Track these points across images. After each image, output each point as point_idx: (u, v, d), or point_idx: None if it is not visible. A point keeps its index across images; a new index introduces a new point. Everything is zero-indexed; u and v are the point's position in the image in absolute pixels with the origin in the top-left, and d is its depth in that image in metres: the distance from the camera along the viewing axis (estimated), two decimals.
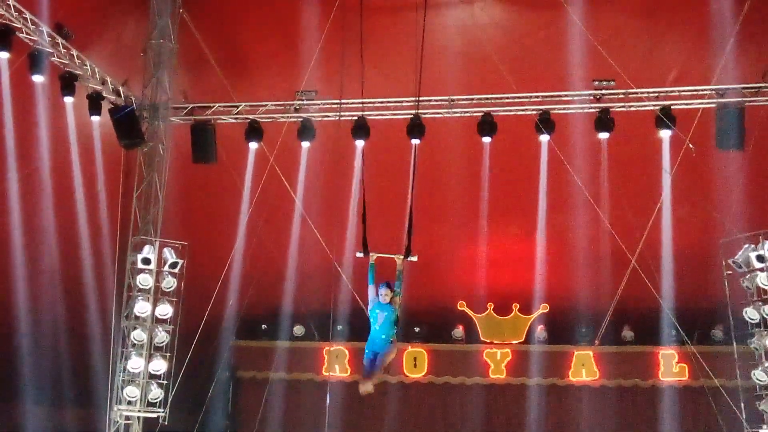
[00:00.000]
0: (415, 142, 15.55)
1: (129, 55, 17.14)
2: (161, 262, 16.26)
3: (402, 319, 10.58)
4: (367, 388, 10.45)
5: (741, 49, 15.32)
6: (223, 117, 17.14)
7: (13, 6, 14.39)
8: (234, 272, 17.43)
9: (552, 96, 16.11)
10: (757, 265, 14.95)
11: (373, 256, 10.47)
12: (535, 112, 16.05)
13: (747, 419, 15.24)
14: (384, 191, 13.20)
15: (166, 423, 16.06)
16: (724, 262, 15.48)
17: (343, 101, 15.47)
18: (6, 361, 17.62)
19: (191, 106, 17.26)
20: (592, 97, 16.03)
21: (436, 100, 16.25)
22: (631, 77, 15.55)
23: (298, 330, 19.58)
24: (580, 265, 17.37)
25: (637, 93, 15.80)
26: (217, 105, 17.09)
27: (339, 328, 18.50)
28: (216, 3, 17.68)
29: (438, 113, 16.36)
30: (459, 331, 19.38)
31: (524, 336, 19.08)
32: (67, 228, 16.97)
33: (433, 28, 13.69)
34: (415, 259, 10.43)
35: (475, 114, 16.27)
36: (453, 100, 16.28)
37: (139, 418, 16.13)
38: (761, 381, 15.00)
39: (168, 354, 16.10)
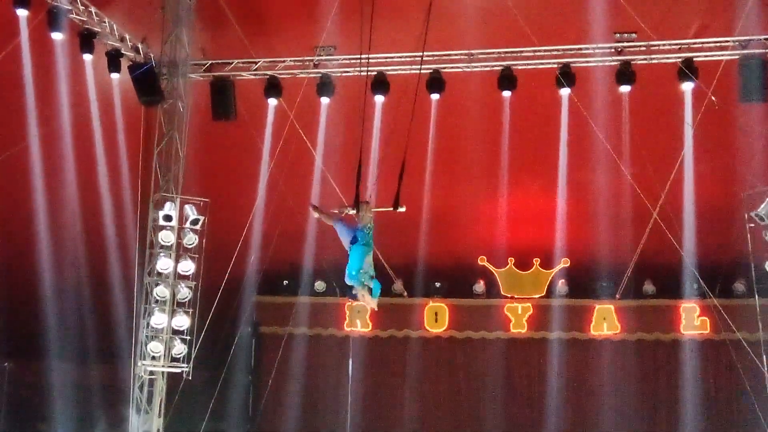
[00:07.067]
0: (435, 97, 15.47)
1: (147, 12, 17.04)
2: (183, 218, 16.31)
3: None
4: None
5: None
6: (242, 73, 17.08)
7: None
8: (255, 228, 17.48)
9: (572, 49, 15.93)
10: None
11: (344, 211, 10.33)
12: (555, 66, 15.92)
13: None
14: (402, 146, 13.15)
15: (190, 378, 16.22)
16: (746, 215, 15.36)
17: (362, 56, 15.38)
18: (31, 318, 17.80)
19: (210, 62, 17.19)
20: (613, 50, 15.84)
21: (456, 55, 16.13)
22: (652, 29, 15.35)
23: (320, 285, 19.60)
24: (601, 219, 17.30)
25: (659, 45, 15.60)
26: (236, 61, 17.01)
27: None
28: None
29: (457, 68, 16.24)
30: (480, 286, 19.39)
31: (545, 290, 19.07)
32: (89, 186, 17.06)
33: None
34: (403, 209, 10.29)
35: (494, 68, 16.14)
36: (472, 55, 16.14)
37: (163, 373, 16.30)
38: None
39: (191, 310, 16.21)
